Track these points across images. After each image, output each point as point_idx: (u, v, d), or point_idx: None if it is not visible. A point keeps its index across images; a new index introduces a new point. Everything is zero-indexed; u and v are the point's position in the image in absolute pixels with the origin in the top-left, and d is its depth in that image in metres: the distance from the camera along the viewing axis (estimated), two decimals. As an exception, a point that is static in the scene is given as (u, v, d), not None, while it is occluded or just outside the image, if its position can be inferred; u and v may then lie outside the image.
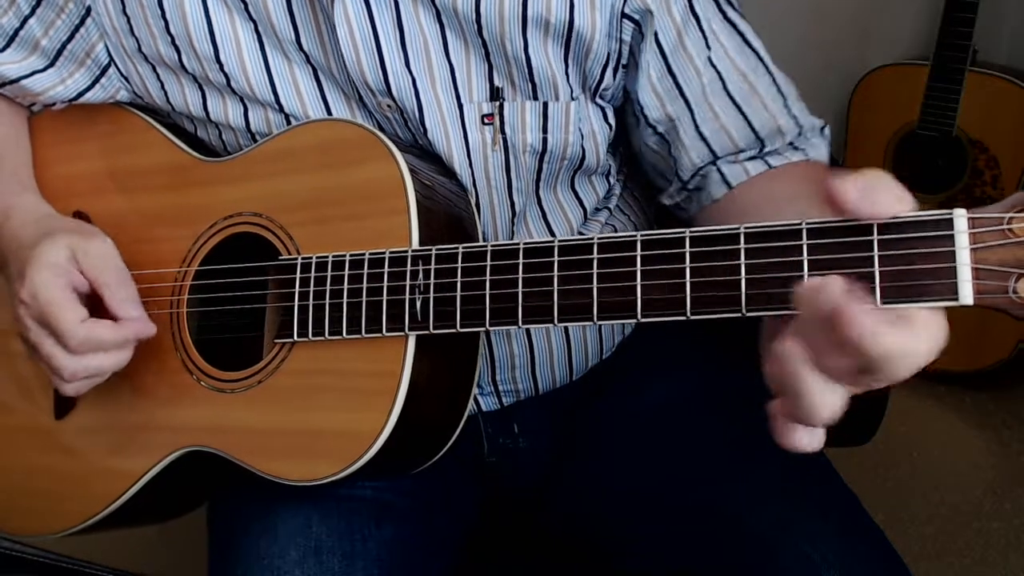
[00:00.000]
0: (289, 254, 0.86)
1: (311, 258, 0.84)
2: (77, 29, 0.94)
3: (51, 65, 0.97)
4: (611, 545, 0.97)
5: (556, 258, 0.72)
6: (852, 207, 0.58)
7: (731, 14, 0.91)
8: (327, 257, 0.83)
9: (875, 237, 0.60)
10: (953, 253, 0.58)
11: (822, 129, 0.94)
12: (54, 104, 1.00)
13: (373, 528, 0.93)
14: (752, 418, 0.95)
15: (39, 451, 0.98)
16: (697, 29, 0.89)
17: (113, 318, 0.88)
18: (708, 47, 0.90)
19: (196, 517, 1.08)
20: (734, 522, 0.87)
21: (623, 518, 0.96)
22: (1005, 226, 0.57)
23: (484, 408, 1.03)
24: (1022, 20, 1.98)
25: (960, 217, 0.58)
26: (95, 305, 0.89)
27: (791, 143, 0.92)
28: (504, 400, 1.03)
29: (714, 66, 0.90)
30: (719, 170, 0.92)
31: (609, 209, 1.03)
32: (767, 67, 0.92)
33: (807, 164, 0.92)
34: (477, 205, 0.92)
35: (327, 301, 0.83)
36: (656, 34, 0.88)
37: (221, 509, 1.00)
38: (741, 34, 0.91)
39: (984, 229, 0.58)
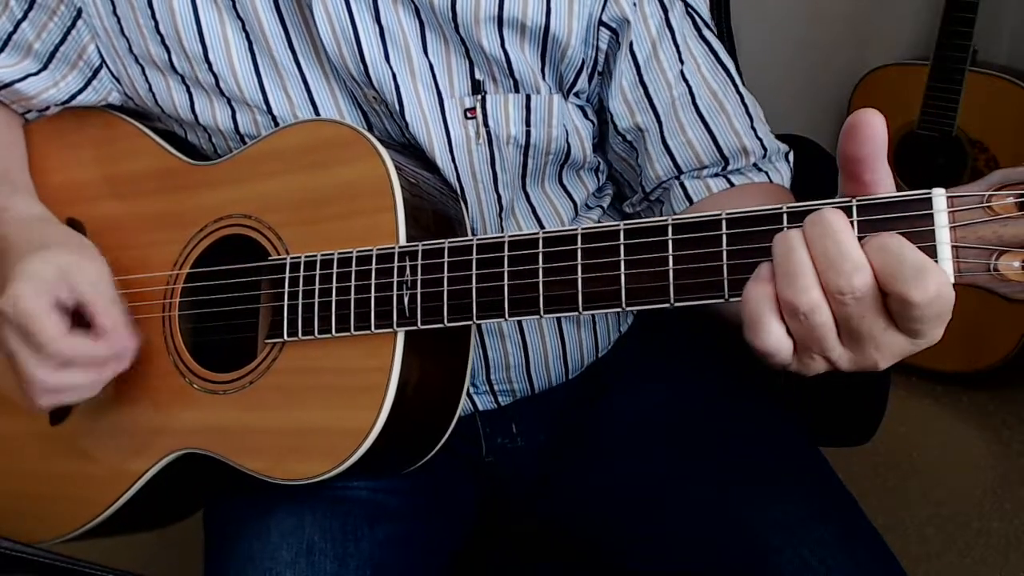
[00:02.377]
0: (278, 254, 0.86)
1: (299, 257, 0.84)
2: (69, 31, 0.94)
3: (44, 68, 0.97)
4: (610, 546, 0.97)
5: (541, 250, 0.72)
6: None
7: (705, 32, 0.93)
8: (315, 256, 0.83)
9: (855, 219, 0.60)
10: (933, 232, 0.59)
11: (787, 155, 0.96)
12: (48, 108, 1.00)
13: (366, 529, 0.93)
14: (751, 419, 0.95)
15: (35, 457, 0.98)
16: (671, 42, 0.90)
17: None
18: (681, 61, 0.91)
19: (195, 518, 1.08)
20: (734, 525, 0.87)
21: (622, 519, 0.96)
22: (984, 204, 0.58)
23: (480, 407, 1.03)
24: (1022, 20, 1.98)
25: (939, 196, 0.59)
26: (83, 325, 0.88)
27: (755, 164, 0.93)
28: (500, 400, 1.03)
29: (685, 80, 0.91)
30: (681, 184, 0.93)
31: (603, 208, 1.03)
32: (736, 87, 0.93)
33: (769, 185, 0.93)
34: (464, 200, 0.92)
35: (316, 300, 0.83)
36: (631, 44, 0.89)
37: (217, 510, 1.00)
38: (714, 52, 0.93)
39: (964, 208, 0.59)
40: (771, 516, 0.85)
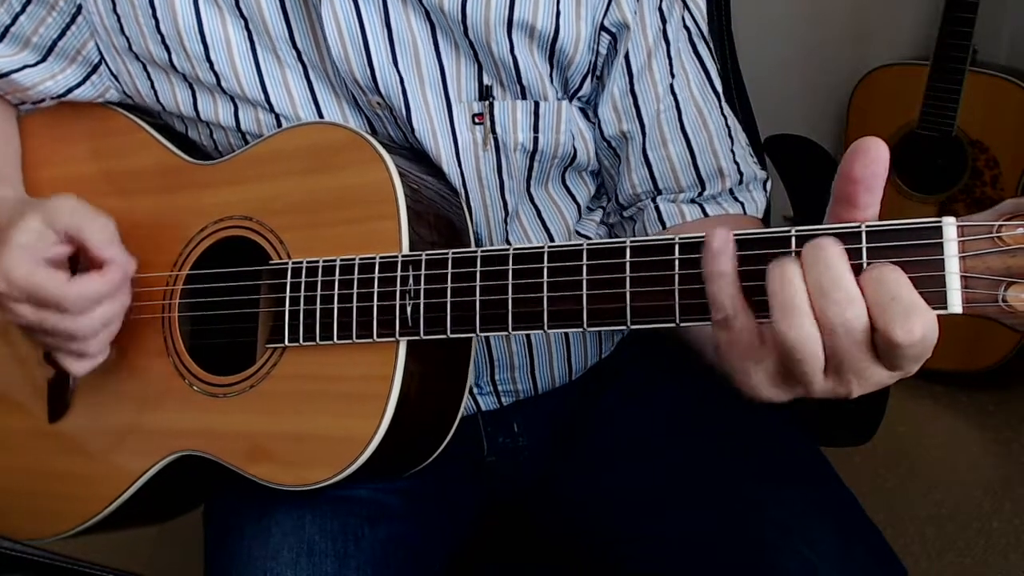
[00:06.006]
0: (279, 258, 0.86)
1: (301, 263, 0.84)
2: (68, 27, 0.94)
3: (42, 60, 0.97)
4: (610, 545, 0.97)
5: (546, 264, 0.72)
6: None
7: (701, 48, 0.93)
8: (317, 262, 0.83)
9: (864, 245, 0.60)
10: (942, 261, 0.59)
11: (764, 183, 0.96)
12: (43, 101, 1.00)
13: (367, 529, 0.93)
14: (751, 419, 0.95)
15: (33, 454, 0.98)
16: (665, 55, 0.90)
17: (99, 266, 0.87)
18: (672, 75, 0.91)
19: (195, 517, 1.08)
20: (734, 524, 0.87)
21: (622, 518, 0.96)
22: (994, 234, 0.58)
23: (483, 408, 1.03)
24: (1022, 20, 1.98)
25: (949, 225, 0.59)
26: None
27: (731, 190, 0.93)
28: (503, 400, 1.03)
29: (674, 95, 0.91)
30: (656, 207, 0.93)
31: (603, 208, 1.03)
32: (722, 109, 0.93)
33: (743, 218, 0.93)
34: (469, 206, 0.92)
35: (318, 307, 0.82)
36: (627, 53, 0.89)
37: (217, 509, 0.99)
38: (706, 71, 0.93)
39: (973, 237, 0.58)
40: (771, 514, 0.86)
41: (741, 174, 0.93)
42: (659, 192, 0.93)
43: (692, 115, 0.92)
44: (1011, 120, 1.85)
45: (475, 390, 1.02)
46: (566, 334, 1.01)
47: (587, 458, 1.02)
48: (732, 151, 0.93)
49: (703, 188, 0.93)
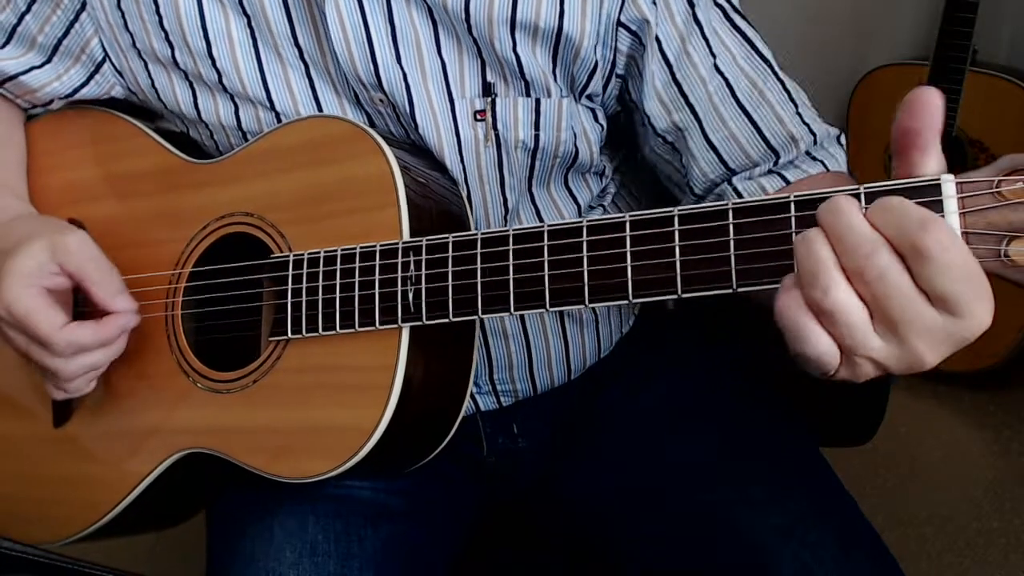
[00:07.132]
0: (281, 252, 0.86)
1: (302, 255, 0.84)
2: (72, 24, 0.95)
3: (48, 61, 0.97)
4: (609, 546, 0.97)
5: (546, 242, 0.72)
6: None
7: (738, 20, 0.89)
8: (318, 253, 0.83)
9: (863, 206, 0.58)
10: (943, 218, 0.57)
11: (838, 138, 0.91)
12: (51, 102, 1.00)
13: (369, 529, 0.93)
14: (752, 420, 0.95)
15: (39, 460, 0.98)
16: (700, 37, 0.87)
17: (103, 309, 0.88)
18: (713, 54, 0.88)
19: (196, 518, 1.08)
20: (733, 527, 0.87)
21: (622, 519, 0.96)
22: (995, 189, 0.57)
23: (482, 408, 1.03)
24: (1022, 20, 1.98)
25: (948, 182, 0.58)
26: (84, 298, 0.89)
27: (807, 152, 0.89)
28: (502, 400, 1.03)
29: (721, 73, 0.88)
30: (734, 189, 0.89)
31: (604, 207, 1.03)
32: (776, 74, 0.89)
33: (826, 175, 0.89)
34: (470, 201, 0.91)
35: (319, 297, 0.82)
36: (660, 43, 0.86)
37: (219, 509, 1.00)
38: (749, 41, 0.89)
39: (973, 193, 0.58)
40: (771, 518, 0.86)
41: (814, 134, 0.89)
42: (733, 172, 0.90)
43: (746, 89, 0.88)
44: (1011, 120, 1.85)
45: (474, 390, 1.02)
46: (564, 333, 1.01)
47: (587, 458, 1.03)
48: (799, 114, 0.88)
49: (777, 157, 0.88)
